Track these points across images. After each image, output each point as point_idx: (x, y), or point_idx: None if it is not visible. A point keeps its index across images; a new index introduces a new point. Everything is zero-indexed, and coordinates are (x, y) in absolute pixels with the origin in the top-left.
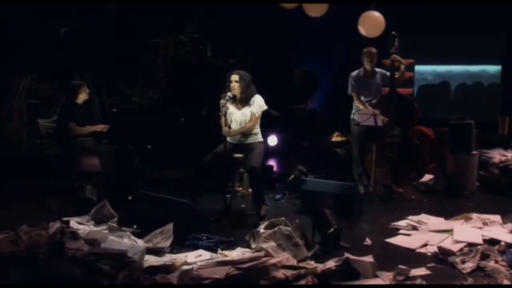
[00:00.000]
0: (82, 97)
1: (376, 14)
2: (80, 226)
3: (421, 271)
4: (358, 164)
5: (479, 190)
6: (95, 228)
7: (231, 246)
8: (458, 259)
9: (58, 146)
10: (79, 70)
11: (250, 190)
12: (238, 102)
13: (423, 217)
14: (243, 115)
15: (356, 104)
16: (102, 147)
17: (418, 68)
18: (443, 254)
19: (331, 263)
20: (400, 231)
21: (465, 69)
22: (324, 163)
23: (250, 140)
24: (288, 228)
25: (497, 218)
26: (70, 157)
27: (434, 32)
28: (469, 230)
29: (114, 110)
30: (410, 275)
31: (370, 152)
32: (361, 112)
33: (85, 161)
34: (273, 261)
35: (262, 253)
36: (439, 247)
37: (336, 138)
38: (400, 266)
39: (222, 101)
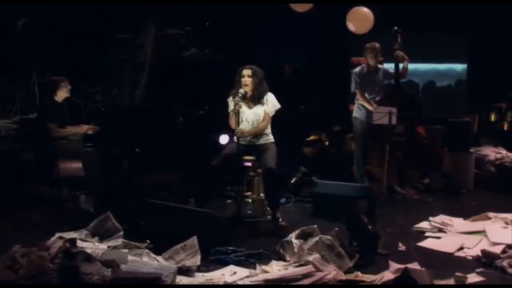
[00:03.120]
0: (62, 94)
1: (365, 10)
2: (84, 244)
3: (474, 277)
4: (360, 164)
5: (475, 188)
6: (100, 245)
7: (261, 259)
8: (505, 263)
9: (36, 150)
10: (38, 66)
11: (261, 194)
12: (249, 100)
13: (443, 218)
14: (255, 114)
15: (360, 101)
16: (86, 150)
17: (388, 66)
18: (487, 258)
19: (389, 275)
20: (427, 234)
21: (432, 67)
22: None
23: (262, 140)
24: (329, 238)
25: None
26: (51, 162)
27: (403, 30)
28: (502, 231)
29: (103, 108)
30: (467, 282)
31: (378, 152)
32: (377, 110)
33: (65, 166)
34: (329, 276)
35: (310, 267)
36: (482, 251)
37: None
38: (457, 274)
39: (235, 98)
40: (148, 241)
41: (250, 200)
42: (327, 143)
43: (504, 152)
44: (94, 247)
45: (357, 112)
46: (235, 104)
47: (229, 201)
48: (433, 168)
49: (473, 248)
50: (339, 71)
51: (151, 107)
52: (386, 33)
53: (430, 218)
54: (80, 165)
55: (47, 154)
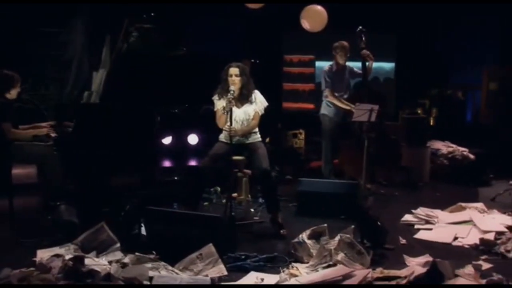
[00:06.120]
0: (15, 91)
1: (319, 8)
2: (85, 260)
3: (486, 265)
4: (328, 161)
5: (430, 180)
6: (101, 260)
7: (279, 262)
8: (502, 249)
9: None
10: None
11: (249, 195)
12: (237, 99)
13: (425, 210)
14: (245, 113)
15: (330, 99)
16: (47, 152)
17: (319, 63)
18: (485, 245)
19: (419, 269)
20: (417, 226)
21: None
22: None
23: (251, 139)
24: (348, 236)
25: (481, 205)
26: (7, 167)
27: (334, 29)
28: (488, 219)
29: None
30: (483, 269)
31: (349, 148)
32: (358, 107)
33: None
34: (370, 274)
35: (343, 267)
36: (481, 239)
37: None
38: (474, 262)
39: (228, 96)
40: (154, 252)
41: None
42: (267, 140)
43: (454, 146)
44: (95, 263)
45: (325, 109)
46: (229, 102)
47: (206, 203)
48: (393, 163)
49: (467, 237)
50: (273, 68)
51: (122, 105)
52: (323, 31)
53: (413, 210)
54: (32, 170)
55: (3, 158)
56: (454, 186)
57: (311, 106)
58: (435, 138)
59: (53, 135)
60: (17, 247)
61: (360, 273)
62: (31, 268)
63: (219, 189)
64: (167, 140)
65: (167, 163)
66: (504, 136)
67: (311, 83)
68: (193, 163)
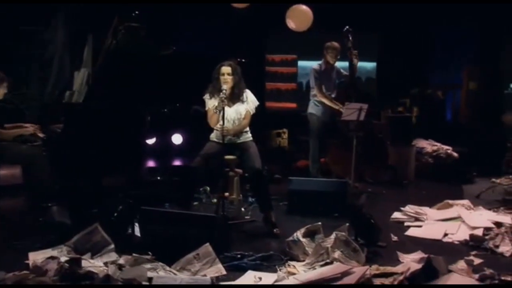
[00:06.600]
0: (1, 91)
1: (305, 7)
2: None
3: (477, 260)
4: (315, 160)
5: (415, 178)
6: (96, 262)
7: (275, 260)
8: (491, 244)
9: None
10: None
11: (241, 195)
12: (228, 98)
13: (413, 207)
14: (236, 112)
15: (318, 98)
16: (36, 153)
17: (301, 63)
18: (474, 241)
19: (414, 265)
20: (407, 224)
21: (346, 65)
22: None
23: (243, 139)
24: (344, 234)
25: (467, 202)
26: None
27: (316, 29)
28: (475, 216)
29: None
30: (474, 264)
31: (338, 147)
32: (348, 106)
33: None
34: (368, 271)
35: (340, 265)
36: (471, 235)
37: None
38: (466, 258)
39: (221, 95)
40: (150, 253)
41: (215, 200)
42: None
43: (438, 144)
44: (91, 265)
45: (313, 108)
46: (221, 101)
47: (195, 203)
48: (381, 161)
49: (457, 233)
50: (255, 67)
51: (112, 105)
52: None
53: (401, 208)
54: (17, 170)
55: None
56: (439, 184)
57: (293, 105)
58: (417, 137)
59: (41, 135)
60: (8, 249)
61: (359, 270)
62: (25, 271)
63: (208, 188)
64: (151, 140)
65: (150, 163)
66: (484, 135)
67: (293, 83)
68: (177, 163)
